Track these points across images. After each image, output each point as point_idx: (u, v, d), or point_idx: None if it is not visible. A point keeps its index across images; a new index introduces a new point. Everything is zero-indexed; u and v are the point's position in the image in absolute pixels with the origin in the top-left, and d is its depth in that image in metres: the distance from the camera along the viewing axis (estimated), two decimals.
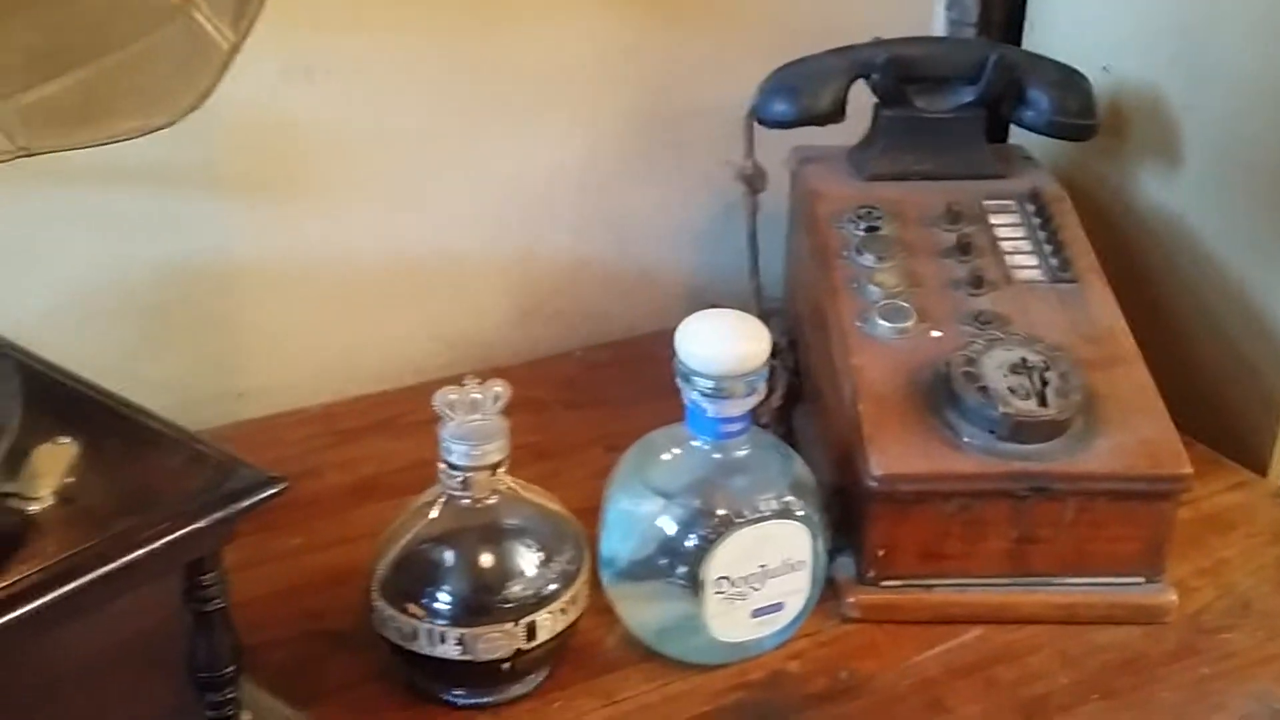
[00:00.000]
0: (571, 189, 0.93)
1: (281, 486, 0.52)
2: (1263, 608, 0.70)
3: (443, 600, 0.59)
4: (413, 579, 0.60)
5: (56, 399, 0.54)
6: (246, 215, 0.82)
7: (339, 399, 0.87)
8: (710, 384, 0.61)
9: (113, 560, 0.47)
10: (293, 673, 0.63)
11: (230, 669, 0.53)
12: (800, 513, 0.63)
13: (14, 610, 0.45)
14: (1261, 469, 0.82)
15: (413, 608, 0.59)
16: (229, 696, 0.54)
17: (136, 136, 0.42)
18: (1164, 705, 0.64)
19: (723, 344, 0.61)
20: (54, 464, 0.50)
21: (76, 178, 0.75)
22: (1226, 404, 0.85)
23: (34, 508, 0.48)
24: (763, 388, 0.62)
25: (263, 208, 0.82)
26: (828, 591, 0.68)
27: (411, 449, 0.82)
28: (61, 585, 0.46)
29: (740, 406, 0.62)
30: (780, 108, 0.80)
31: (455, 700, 0.62)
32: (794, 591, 0.65)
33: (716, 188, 0.93)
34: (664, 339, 0.97)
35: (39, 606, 0.46)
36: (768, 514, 0.63)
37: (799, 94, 0.80)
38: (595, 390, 0.89)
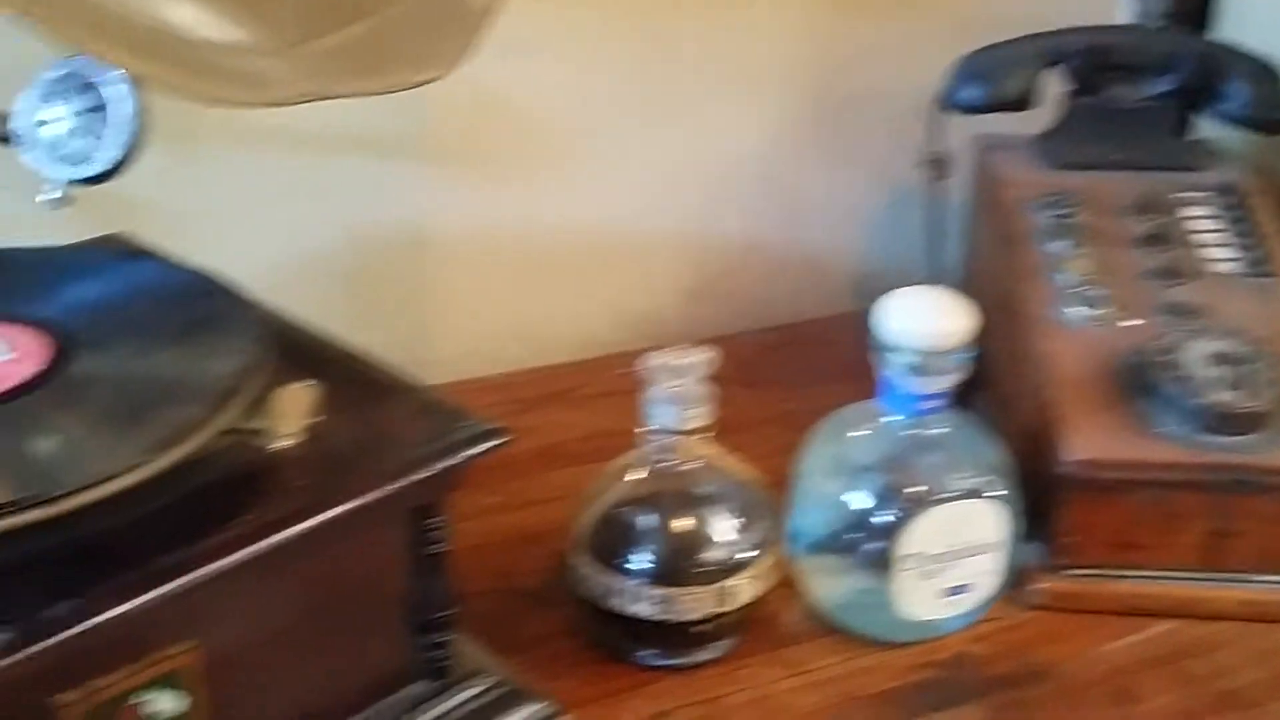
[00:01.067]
0: (748, 172, 0.94)
1: (507, 438, 0.54)
2: None
3: (641, 560, 0.60)
4: (613, 538, 0.61)
5: (297, 347, 0.56)
6: (444, 187, 0.84)
7: (518, 369, 0.89)
8: (914, 359, 0.61)
9: (351, 499, 0.49)
10: (487, 625, 0.64)
11: (446, 612, 0.55)
12: (995, 493, 0.63)
13: (259, 542, 0.47)
14: None
15: (612, 567, 0.61)
16: (443, 639, 0.56)
17: (405, 89, 0.44)
18: None
19: (929, 319, 0.61)
20: (297, 405, 0.52)
21: (294, 144, 0.78)
22: None
23: (280, 444, 0.51)
24: (964, 366, 0.62)
25: (460, 180, 0.84)
26: (1014, 578, 0.68)
27: (589, 420, 0.84)
28: (302, 520, 0.48)
29: (942, 383, 0.62)
30: (971, 93, 0.80)
31: (645, 661, 0.63)
32: (983, 573, 0.65)
33: (889, 174, 0.94)
34: (832, 324, 0.97)
35: (281, 540, 0.48)
36: (962, 493, 0.63)
37: (991, 80, 0.80)
38: (769, 370, 0.89)
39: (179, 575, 0.44)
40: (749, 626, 0.65)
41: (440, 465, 0.52)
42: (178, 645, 0.47)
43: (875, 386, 0.65)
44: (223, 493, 0.48)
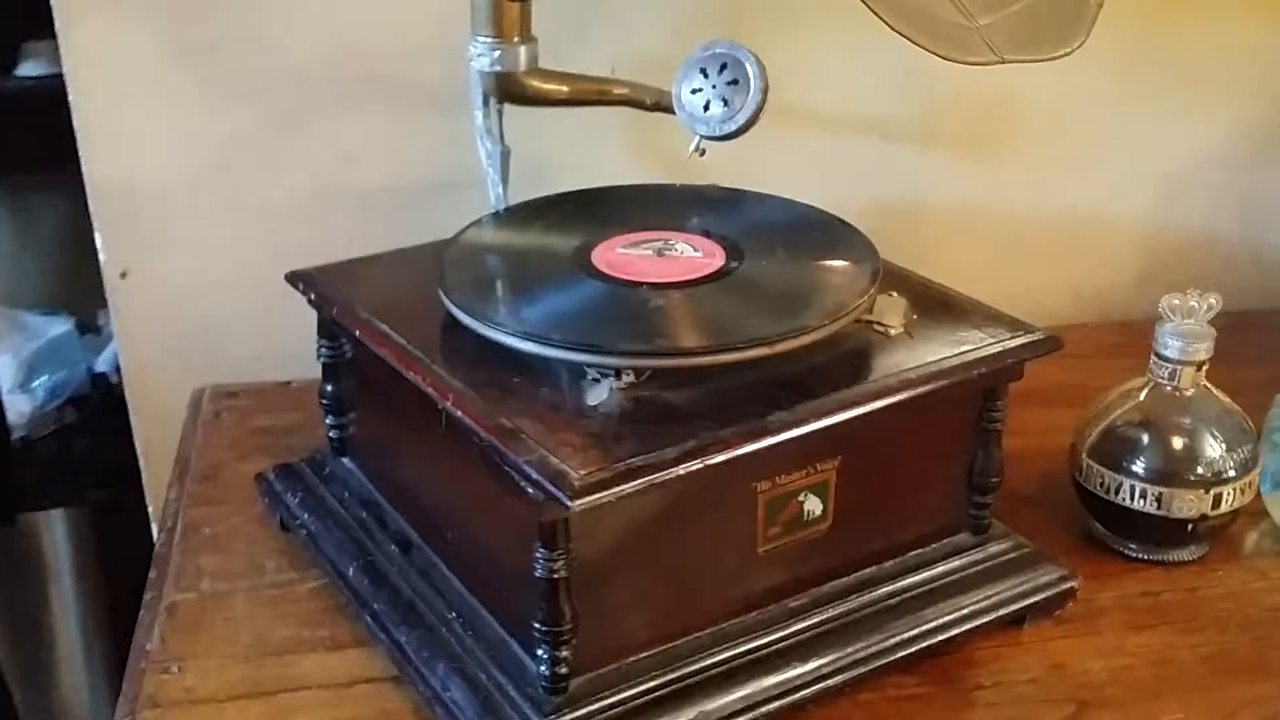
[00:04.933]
0: (1207, 169, 1.05)
1: (1057, 346, 0.68)
2: None
3: (1143, 464, 0.74)
4: (1119, 444, 0.75)
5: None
6: (944, 167, 1.00)
7: None
8: None
9: (945, 378, 0.65)
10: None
11: (996, 479, 0.70)
12: None
13: (877, 401, 0.63)
14: None
15: (1118, 468, 0.74)
16: (987, 501, 0.71)
17: (1050, 59, 0.59)
18: None
19: None
20: (895, 308, 0.69)
21: (816, 126, 0.96)
22: None
23: (890, 333, 0.67)
24: None
25: (957, 162, 1.00)
26: None
27: (1056, 373, 0.96)
28: (912, 389, 0.64)
29: None
30: None
31: (1130, 553, 0.76)
32: None
33: None
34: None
35: (900, 399, 0.64)
36: None
37: None
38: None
39: (845, 409, 0.62)
40: (1222, 538, 0.77)
41: (1010, 360, 0.67)
42: (828, 461, 0.64)
43: None
44: (859, 358, 0.66)
